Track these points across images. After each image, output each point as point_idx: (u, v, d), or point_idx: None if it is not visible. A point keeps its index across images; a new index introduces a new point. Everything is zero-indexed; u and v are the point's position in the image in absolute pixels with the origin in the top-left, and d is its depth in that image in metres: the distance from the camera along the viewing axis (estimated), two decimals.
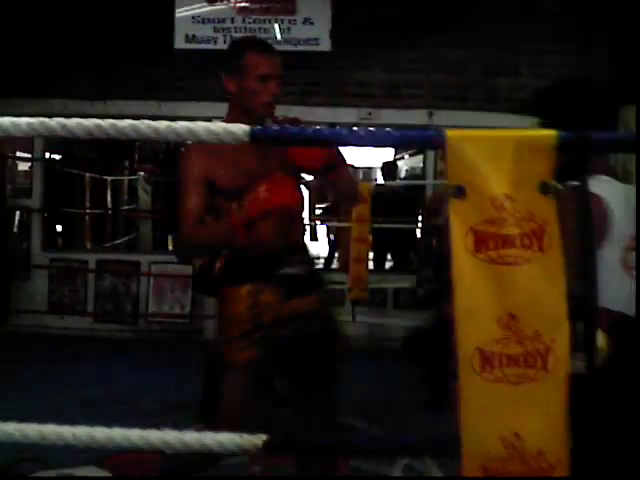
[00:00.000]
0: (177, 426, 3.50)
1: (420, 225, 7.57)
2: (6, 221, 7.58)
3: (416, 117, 7.14)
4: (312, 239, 13.35)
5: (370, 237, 7.24)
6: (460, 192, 1.32)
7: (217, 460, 2.84)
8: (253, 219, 2.51)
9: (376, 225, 7.18)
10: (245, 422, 2.56)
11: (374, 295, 7.17)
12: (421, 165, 9.90)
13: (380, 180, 10.60)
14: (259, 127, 1.36)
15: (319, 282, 2.88)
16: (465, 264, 1.32)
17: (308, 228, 12.73)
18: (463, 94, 7.31)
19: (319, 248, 13.08)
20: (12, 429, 1.46)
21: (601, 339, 1.59)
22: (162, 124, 1.40)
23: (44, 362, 6.12)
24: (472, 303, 1.32)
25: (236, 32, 6.93)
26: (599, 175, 2.13)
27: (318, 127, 1.27)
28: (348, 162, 2.92)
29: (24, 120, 1.43)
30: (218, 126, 1.37)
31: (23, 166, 8.14)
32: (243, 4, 7.11)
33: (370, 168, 14.60)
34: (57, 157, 9.75)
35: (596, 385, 1.35)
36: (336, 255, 10.77)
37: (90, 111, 6.85)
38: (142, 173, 11.17)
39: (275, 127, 1.39)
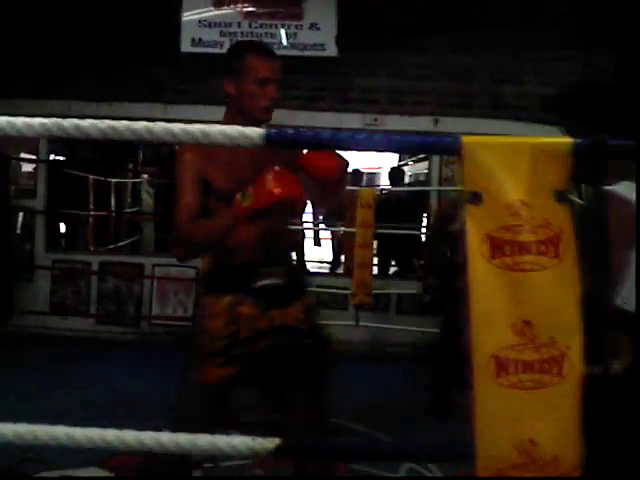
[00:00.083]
0: None
1: (427, 231, 7.56)
2: (9, 222, 7.57)
3: (421, 124, 7.14)
4: (315, 244, 13.36)
5: (374, 242, 7.25)
6: (476, 198, 1.32)
7: (204, 463, 2.84)
8: (258, 211, 2.42)
9: (380, 231, 7.17)
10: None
11: (378, 300, 7.16)
12: (425, 171, 9.92)
13: (385, 185, 10.64)
14: (275, 130, 1.36)
15: (302, 290, 2.82)
16: (481, 270, 1.32)
17: (311, 233, 12.77)
18: (468, 101, 7.31)
19: (322, 253, 13.08)
20: (14, 430, 1.46)
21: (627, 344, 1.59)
22: (176, 126, 1.39)
23: (46, 363, 6.11)
24: (487, 309, 1.32)
25: (242, 37, 6.93)
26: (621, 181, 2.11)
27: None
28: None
29: (37, 120, 1.43)
30: (233, 129, 1.37)
31: (27, 167, 8.14)
32: (250, 9, 7.12)
33: (374, 173, 14.63)
34: (61, 159, 9.76)
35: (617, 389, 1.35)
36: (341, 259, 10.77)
37: (95, 113, 6.84)
38: (145, 176, 11.18)
39: (290, 131, 1.37)
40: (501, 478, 1.32)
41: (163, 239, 10.11)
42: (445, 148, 1.35)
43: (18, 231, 7.76)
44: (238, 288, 2.64)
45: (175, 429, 2.61)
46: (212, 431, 2.63)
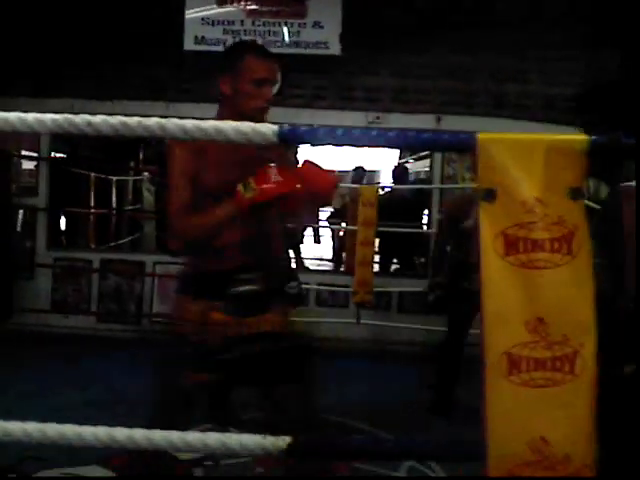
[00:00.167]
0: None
1: (435, 229, 7.54)
2: (10, 220, 7.56)
3: (424, 122, 7.12)
4: (315, 241, 13.36)
5: (376, 240, 7.25)
6: (490, 195, 1.32)
7: (204, 461, 2.83)
8: (261, 204, 2.42)
9: (382, 229, 7.17)
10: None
11: (379, 298, 7.17)
12: (426, 169, 9.91)
13: (387, 183, 10.60)
14: (288, 127, 1.35)
15: (282, 295, 2.79)
16: (494, 267, 1.32)
17: (311, 230, 12.77)
18: (471, 100, 7.30)
19: (322, 251, 13.09)
20: (15, 428, 1.46)
21: None
22: (189, 123, 1.39)
23: (47, 361, 6.10)
24: (501, 306, 1.31)
25: (246, 35, 6.91)
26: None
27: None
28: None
29: (49, 116, 1.42)
30: (247, 126, 1.36)
31: (28, 165, 8.12)
32: (253, 7, 7.10)
33: (373, 171, 14.58)
34: (63, 156, 9.74)
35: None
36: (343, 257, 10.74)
37: (96, 110, 6.78)
38: (146, 173, 11.16)
39: (303, 127, 1.37)
40: (508, 478, 1.31)
41: (164, 237, 10.09)
42: (460, 145, 1.34)
43: (19, 229, 7.75)
44: (213, 294, 2.63)
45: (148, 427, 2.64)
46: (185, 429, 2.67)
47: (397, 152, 12.28)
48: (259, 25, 7.06)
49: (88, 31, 7.28)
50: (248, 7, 7.10)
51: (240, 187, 2.42)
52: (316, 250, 12.97)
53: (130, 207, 11.55)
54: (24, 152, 7.92)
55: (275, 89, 2.77)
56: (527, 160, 1.32)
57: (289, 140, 1.41)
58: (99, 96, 7.25)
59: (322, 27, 7.00)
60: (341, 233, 10.60)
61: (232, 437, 1.39)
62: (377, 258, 8.23)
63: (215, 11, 7.13)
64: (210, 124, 1.37)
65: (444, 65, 7.28)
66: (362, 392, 5.57)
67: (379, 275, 7.58)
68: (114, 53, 7.23)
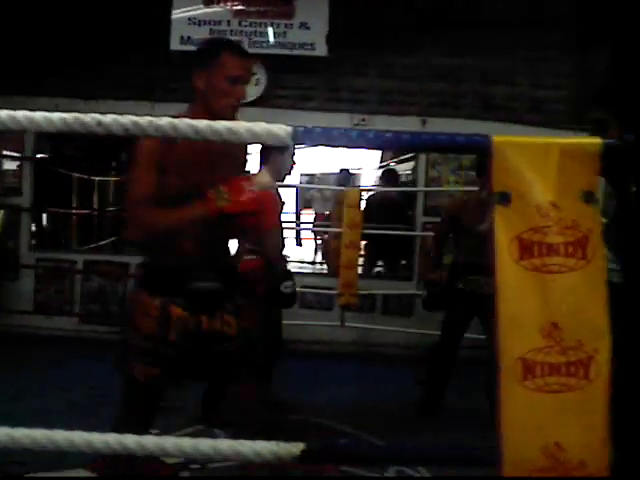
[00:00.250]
0: (168, 429, 3.47)
1: (419, 231, 7.51)
2: None
3: (409, 124, 7.10)
4: (297, 244, 13.36)
5: (361, 243, 7.24)
6: (505, 199, 1.31)
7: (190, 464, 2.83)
8: (230, 215, 2.41)
9: (367, 231, 7.16)
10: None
11: (364, 301, 7.16)
12: (408, 172, 9.89)
13: (373, 186, 10.60)
14: (302, 127, 1.34)
15: (237, 294, 2.81)
16: (509, 271, 1.31)
17: (293, 233, 12.77)
18: (457, 102, 7.31)
19: (303, 253, 13.10)
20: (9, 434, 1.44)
21: None
22: (201, 123, 1.38)
23: (30, 362, 6.05)
24: (516, 311, 1.31)
25: (232, 35, 6.87)
26: None
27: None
28: None
29: (57, 115, 1.40)
30: (260, 126, 1.35)
31: (10, 165, 8.03)
32: (240, 7, 7.07)
33: (354, 174, 14.54)
34: (46, 156, 9.66)
35: None
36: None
37: (83, 110, 6.72)
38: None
39: (318, 128, 1.36)
40: (514, 478, 1.31)
41: None
42: (475, 147, 1.34)
43: (1, 229, 7.67)
44: (170, 289, 2.64)
45: (115, 422, 2.66)
46: (147, 425, 2.68)
47: (379, 154, 12.21)
48: (246, 25, 7.02)
49: (74, 31, 7.23)
50: (235, 7, 7.07)
51: (213, 193, 2.40)
52: (298, 253, 12.97)
53: (112, 208, 11.50)
54: (6, 152, 7.83)
55: (247, 88, 2.77)
56: (541, 163, 1.31)
57: (302, 141, 1.40)
58: (84, 95, 7.20)
59: (309, 28, 6.98)
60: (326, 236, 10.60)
61: (245, 444, 1.38)
62: (362, 261, 8.23)
63: (202, 11, 7.10)
64: (222, 124, 1.35)
65: (431, 67, 7.28)
66: (346, 394, 5.57)
67: (364, 277, 7.57)
68: (99, 52, 7.18)
